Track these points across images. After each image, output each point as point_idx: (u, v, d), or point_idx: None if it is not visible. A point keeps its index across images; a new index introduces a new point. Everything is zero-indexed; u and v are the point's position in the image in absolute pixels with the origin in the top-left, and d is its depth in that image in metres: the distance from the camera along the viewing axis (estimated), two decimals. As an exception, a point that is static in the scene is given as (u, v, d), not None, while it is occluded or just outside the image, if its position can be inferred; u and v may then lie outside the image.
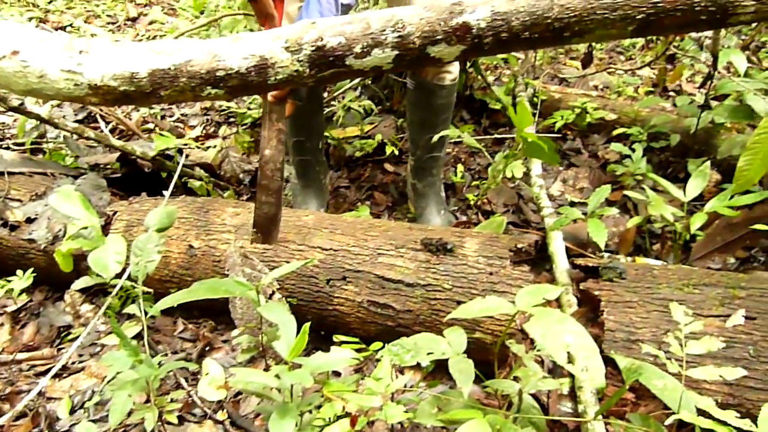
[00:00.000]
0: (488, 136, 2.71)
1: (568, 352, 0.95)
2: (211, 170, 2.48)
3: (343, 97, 2.89)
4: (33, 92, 1.03)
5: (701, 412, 0.99)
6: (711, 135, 2.29)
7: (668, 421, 0.92)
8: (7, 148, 2.26)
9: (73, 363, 1.60)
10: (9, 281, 1.70)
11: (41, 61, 1.01)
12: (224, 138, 2.79)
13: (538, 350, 1.30)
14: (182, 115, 3.21)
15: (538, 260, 1.79)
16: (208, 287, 1.21)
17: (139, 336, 1.63)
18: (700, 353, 1.06)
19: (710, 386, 1.31)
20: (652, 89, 3.29)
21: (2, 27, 1.02)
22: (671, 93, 3.33)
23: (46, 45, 1.03)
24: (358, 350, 1.22)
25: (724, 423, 0.89)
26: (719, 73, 2.13)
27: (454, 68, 2.05)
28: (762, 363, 1.30)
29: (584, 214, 1.89)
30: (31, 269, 1.76)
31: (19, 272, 1.73)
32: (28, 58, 1.01)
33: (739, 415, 0.96)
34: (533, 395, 1.31)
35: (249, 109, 3.00)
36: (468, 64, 2.79)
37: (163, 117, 3.15)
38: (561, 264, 1.77)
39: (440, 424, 1.13)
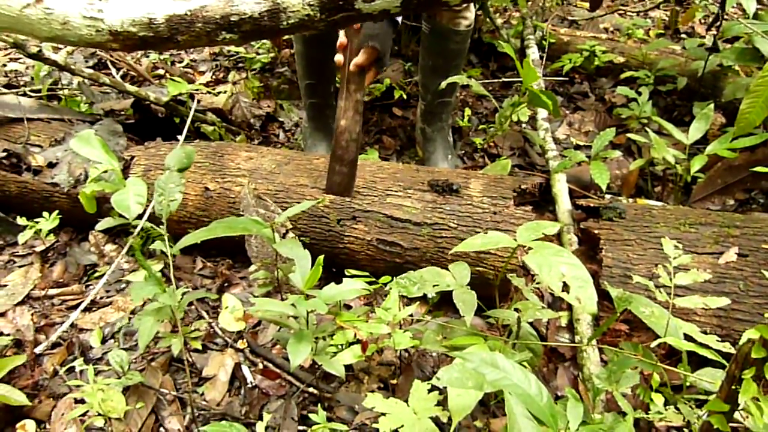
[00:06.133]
0: (496, 80, 2.72)
1: (564, 282, 1.02)
2: (222, 115, 2.52)
3: (352, 41, 2.88)
4: (56, 39, 1.08)
5: (689, 339, 1.07)
6: (718, 78, 2.30)
7: (653, 344, 1.00)
8: (24, 95, 2.30)
9: (101, 298, 1.70)
10: (37, 222, 1.79)
11: (64, 7, 1.05)
12: (234, 83, 2.82)
13: (538, 284, 1.37)
14: (192, 60, 3.22)
15: (542, 201, 1.85)
16: (227, 225, 1.28)
17: (161, 273, 1.72)
18: (687, 284, 1.13)
19: (700, 317, 1.39)
20: (662, 31, 3.25)
21: (24, -26, 1.05)
22: (683, 35, 3.29)
23: (67, -8, 1.07)
24: (368, 283, 1.30)
25: (706, 346, 0.97)
26: (732, 15, 2.11)
27: (470, 14, 2.04)
28: (751, 297, 1.38)
29: (588, 157, 1.93)
30: (56, 211, 1.84)
31: (45, 214, 1.81)
32: (52, 5, 1.05)
33: (720, 339, 1.04)
34: (533, 326, 1.40)
35: (258, 54, 3.00)
36: (477, 7, 2.77)
37: (172, 63, 3.16)
38: (564, 205, 1.83)
39: (444, 350, 1.22)
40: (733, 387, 0.70)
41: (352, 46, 1.63)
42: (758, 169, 1.85)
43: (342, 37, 1.64)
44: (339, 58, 1.65)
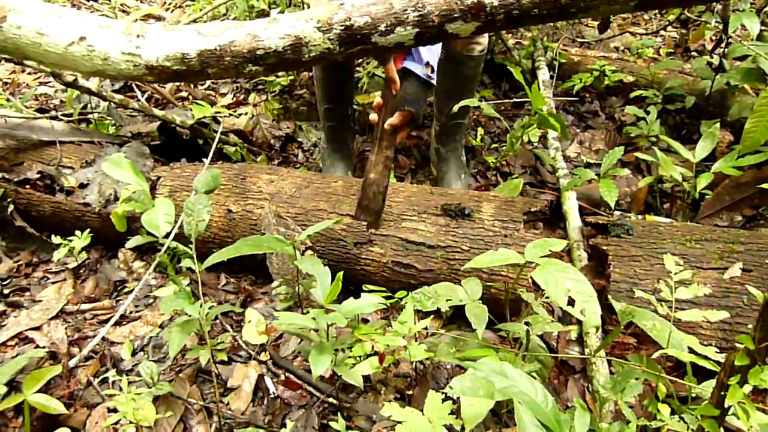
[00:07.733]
0: (508, 100, 2.80)
1: (570, 297, 1.08)
2: (243, 136, 2.62)
3: (368, 64, 2.98)
4: (98, 73, 1.17)
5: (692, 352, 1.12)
6: (725, 97, 2.35)
7: (654, 355, 1.05)
8: (56, 118, 2.42)
9: (130, 313, 1.79)
10: (70, 241, 1.88)
11: (105, 45, 1.15)
12: (254, 105, 2.92)
13: (547, 298, 1.43)
14: (213, 83, 3.34)
15: (552, 219, 1.91)
16: (252, 244, 1.36)
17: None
18: (692, 299, 1.18)
19: (705, 330, 1.44)
20: (672, 50, 3.31)
21: (69, 15, 1.15)
22: (694, 53, 3.34)
23: (108, 30, 1.16)
24: (384, 298, 1.37)
25: (705, 357, 1.02)
26: (737, 35, 2.17)
27: (483, 39, 2.11)
28: (754, 310, 1.42)
29: (598, 175, 1.99)
30: (88, 230, 1.94)
31: (77, 233, 1.91)
32: (94, 43, 1.14)
33: (722, 350, 1.09)
34: (543, 339, 1.45)
35: (277, 76, 3.11)
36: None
37: (195, 85, 3.28)
38: (574, 222, 1.89)
39: (458, 362, 1.28)
40: (722, 393, 0.75)
41: (388, 107, 1.70)
42: (765, 185, 1.90)
43: (378, 98, 1.71)
44: (374, 116, 1.73)
